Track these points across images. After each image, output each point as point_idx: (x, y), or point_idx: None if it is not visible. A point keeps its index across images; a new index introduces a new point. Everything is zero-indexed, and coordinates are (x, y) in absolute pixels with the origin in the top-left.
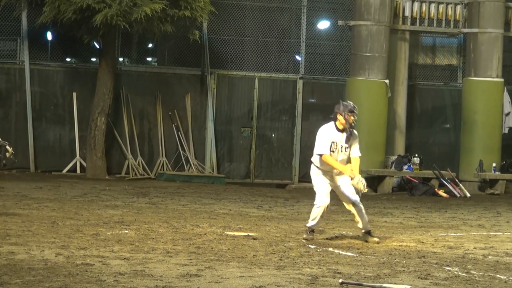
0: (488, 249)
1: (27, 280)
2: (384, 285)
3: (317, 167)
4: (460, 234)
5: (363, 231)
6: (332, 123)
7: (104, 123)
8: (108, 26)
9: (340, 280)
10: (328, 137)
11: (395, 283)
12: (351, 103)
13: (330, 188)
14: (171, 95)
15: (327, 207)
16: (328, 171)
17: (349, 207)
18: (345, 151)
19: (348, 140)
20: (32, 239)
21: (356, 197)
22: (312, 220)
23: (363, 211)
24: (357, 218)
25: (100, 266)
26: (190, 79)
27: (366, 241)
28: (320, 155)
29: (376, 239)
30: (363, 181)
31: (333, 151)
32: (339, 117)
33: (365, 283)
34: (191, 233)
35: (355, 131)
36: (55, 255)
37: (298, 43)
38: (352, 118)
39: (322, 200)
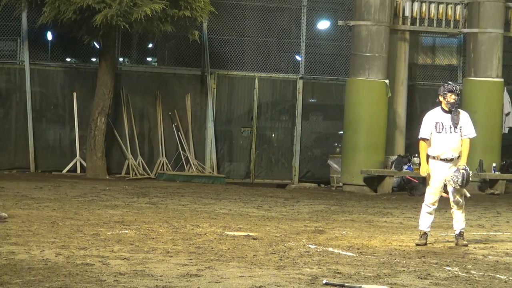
0: (488, 249)
1: (27, 280)
2: (364, 286)
3: (431, 156)
4: None
5: (455, 232)
6: (439, 107)
7: (104, 123)
8: (108, 26)
9: (324, 281)
10: (430, 120)
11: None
12: (451, 83)
13: (441, 185)
14: (171, 95)
15: (433, 204)
16: (442, 159)
17: (451, 203)
18: (454, 131)
19: (455, 120)
20: (32, 239)
21: (459, 198)
22: (420, 220)
23: (459, 213)
24: (454, 217)
25: (100, 266)
26: (190, 79)
27: (456, 244)
28: (419, 139)
29: (465, 242)
30: (457, 177)
31: (439, 132)
32: (441, 98)
33: (346, 284)
34: (191, 233)
35: (463, 111)
36: (55, 255)
37: (298, 43)
38: (452, 97)
39: (427, 198)
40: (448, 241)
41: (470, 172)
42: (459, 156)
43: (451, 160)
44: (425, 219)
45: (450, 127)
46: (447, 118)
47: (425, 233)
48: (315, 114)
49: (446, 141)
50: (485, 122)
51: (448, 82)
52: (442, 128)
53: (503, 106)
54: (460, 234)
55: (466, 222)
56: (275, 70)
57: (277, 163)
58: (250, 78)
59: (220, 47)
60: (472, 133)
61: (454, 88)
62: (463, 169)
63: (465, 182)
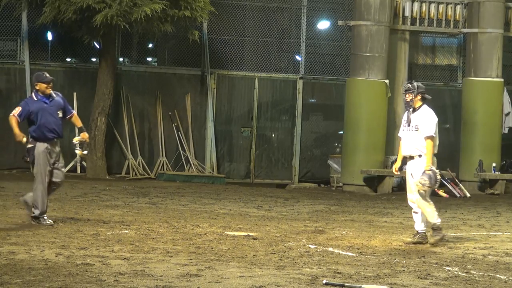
0: (488, 249)
1: (28, 280)
2: (364, 286)
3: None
4: (460, 234)
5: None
6: None
7: (104, 123)
8: (108, 26)
9: (324, 281)
10: (402, 119)
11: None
12: (407, 82)
13: (410, 181)
14: (171, 95)
15: (410, 202)
16: (406, 158)
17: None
18: (412, 130)
19: (407, 118)
20: (32, 239)
21: (414, 196)
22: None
23: (422, 210)
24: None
25: (100, 266)
26: (190, 79)
27: (431, 243)
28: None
29: (437, 238)
30: (424, 179)
31: (403, 130)
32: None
33: (346, 284)
34: (191, 233)
35: (427, 110)
36: (55, 255)
37: (298, 43)
38: (405, 95)
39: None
40: (447, 241)
41: (437, 171)
42: (421, 155)
43: (411, 158)
44: (413, 218)
45: (408, 125)
46: (407, 116)
47: (417, 232)
48: (315, 114)
49: (404, 139)
50: (485, 122)
51: (408, 82)
52: (404, 126)
53: (503, 106)
54: (436, 228)
55: (436, 220)
56: (275, 70)
57: (277, 163)
58: (250, 78)
59: (220, 47)
60: (427, 132)
61: (405, 88)
62: (428, 170)
63: (433, 182)
